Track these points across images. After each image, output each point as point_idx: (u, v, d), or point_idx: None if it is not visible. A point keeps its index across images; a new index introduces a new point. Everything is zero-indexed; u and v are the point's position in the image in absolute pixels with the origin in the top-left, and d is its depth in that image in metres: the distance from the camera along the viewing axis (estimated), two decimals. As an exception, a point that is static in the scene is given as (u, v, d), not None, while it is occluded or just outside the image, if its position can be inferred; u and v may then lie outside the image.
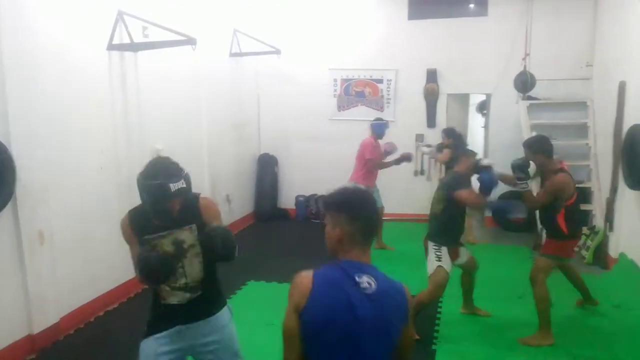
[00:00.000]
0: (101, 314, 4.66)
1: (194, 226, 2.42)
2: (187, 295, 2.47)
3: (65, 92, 4.25)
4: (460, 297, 4.61)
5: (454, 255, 4.14)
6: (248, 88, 7.91)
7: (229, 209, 7.16)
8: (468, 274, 4.46)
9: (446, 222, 4.10)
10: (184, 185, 2.34)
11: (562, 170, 4.00)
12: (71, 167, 4.34)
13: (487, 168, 4.12)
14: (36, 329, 3.95)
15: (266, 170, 8.06)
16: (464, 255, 4.27)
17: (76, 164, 4.40)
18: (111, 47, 4.79)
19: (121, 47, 4.89)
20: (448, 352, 3.94)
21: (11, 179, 3.63)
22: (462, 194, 3.93)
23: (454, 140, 6.23)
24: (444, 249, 4.08)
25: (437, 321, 4.47)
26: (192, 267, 2.47)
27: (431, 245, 4.12)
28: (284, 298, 4.94)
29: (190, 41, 4.92)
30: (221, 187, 6.93)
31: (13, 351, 3.78)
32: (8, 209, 3.69)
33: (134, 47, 4.99)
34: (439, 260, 4.06)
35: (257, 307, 4.77)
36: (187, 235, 2.42)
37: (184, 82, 6.05)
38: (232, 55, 7.27)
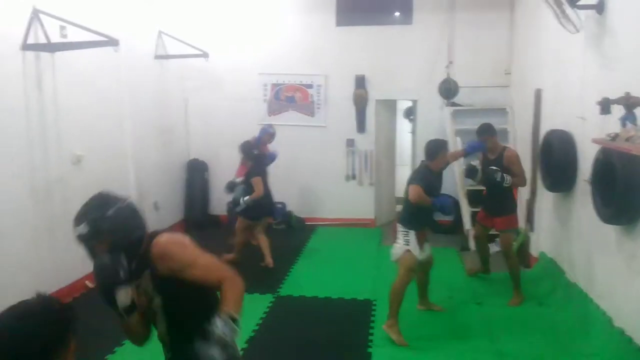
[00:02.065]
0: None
1: (147, 273, 2.02)
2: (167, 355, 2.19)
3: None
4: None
5: (421, 239, 4.33)
6: (175, 92, 7.67)
7: (157, 216, 6.89)
8: (423, 271, 4.60)
9: (414, 208, 4.23)
10: (85, 231, 1.91)
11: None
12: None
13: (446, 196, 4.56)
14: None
15: (196, 176, 7.83)
16: (427, 250, 4.45)
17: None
18: (26, 47, 4.50)
19: (37, 47, 4.61)
20: (384, 355, 3.97)
21: None
22: (410, 189, 4.19)
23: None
24: (412, 233, 4.23)
25: (371, 324, 4.51)
26: (160, 323, 2.11)
27: (400, 229, 4.29)
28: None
29: (112, 42, 4.72)
30: (148, 194, 6.67)
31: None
32: None
33: (50, 47, 4.71)
34: (407, 245, 4.22)
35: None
36: (147, 284, 2.04)
37: (106, 85, 5.76)
38: (157, 57, 7.03)
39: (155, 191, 6.91)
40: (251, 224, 6.01)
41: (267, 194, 6.01)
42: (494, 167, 4.84)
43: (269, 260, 5.91)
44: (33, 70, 4.65)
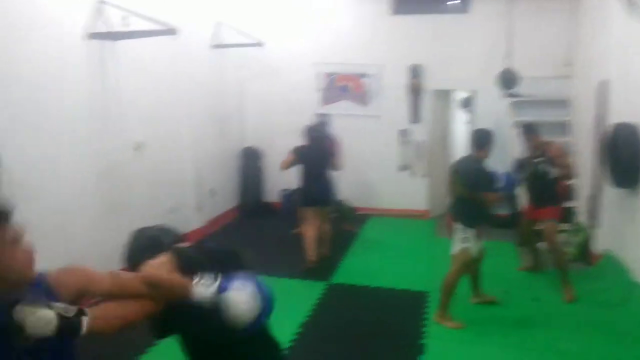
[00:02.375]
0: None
1: None
2: None
3: (42, 81, 4.12)
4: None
5: (479, 234, 4.31)
6: (230, 81, 7.79)
7: (213, 202, 7.06)
8: (475, 264, 4.56)
9: (470, 204, 4.24)
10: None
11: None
12: (48, 158, 4.20)
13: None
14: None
15: (250, 164, 7.96)
16: (480, 244, 4.40)
17: (53, 155, 4.27)
18: (90, 35, 4.67)
19: (100, 36, 4.76)
20: (438, 348, 3.93)
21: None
22: (488, 196, 4.26)
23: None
24: (471, 231, 4.21)
25: (425, 316, 4.47)
26: None
27: (458, 227, 4.26)
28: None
29: (170, 31, 4.82)
30: (205, 181, 6.83)
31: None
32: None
33: (113, 36, 4.87)
34: (466, 242, 4.23)
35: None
36: None
37: (165, 73, 5.91)
38: (214, 46, 7.15)
39: (212, 178, 7.07)
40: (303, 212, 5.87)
41: (310, 182, 5.76)
42: (539, 159, 4.93)
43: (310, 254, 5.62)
44: (97, 59, 4.81)
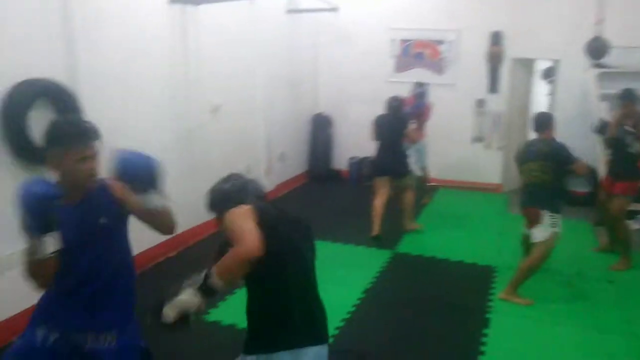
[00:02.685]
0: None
1: None
2: None
3: (129, 44, 4.32)
4: (516, 269, 4.49)
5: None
6: (305, 46, 7.80)
7: (282, 167, 7.21)
8: None
9: (557, 190, 4.16)
10: (207, 201, 2.16)
11: None
12: (133, 119, 4.43)
13: None
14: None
15: (320, 131, 8.01)
16: None
17: (135, 118, 4.48)
18: (173, 0, 4.80)
19: (182, 1, 4.89)
20: (504, 323, 3.88)
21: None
22: (579, 164, 4.11)
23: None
24: (558, 216, 4.10)
25: (491, 290, 4.40)
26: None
27: (547, 214, 4.06)
28: (337, 257, 5.03)
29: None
30: (276, 145, 6.96)
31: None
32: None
33: (194, 0, 4.98)
34: (555, 227, 4.08)
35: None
36: None
37: (241, 38, 6.01)
38: (289, 11, 7.15)
39: (283, 142, 7.19)
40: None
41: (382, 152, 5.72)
42: (628, 129, 4.72)
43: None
44: (179, 23, 4.96)
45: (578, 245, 5.32)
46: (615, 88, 6.42)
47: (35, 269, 1.82)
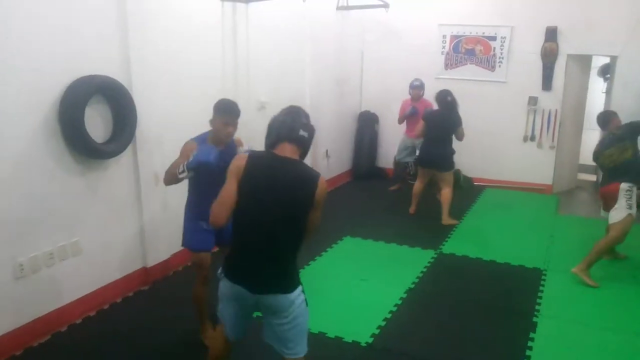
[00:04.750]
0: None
1: None
2: None
3: (179, 42, 4.41)
4: (565, 272, 4.51)
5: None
6: (353, 43, 7.79)
7: (327, 164, 7.23)
8: None
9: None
10: (306, 135, 2.46)
11: None
12: (183, 114, 4.53)
13: None
14: (150, 263, 4.28)
15: (366, 128, 7.98)
16: None
17: (187, 112, 4.57)
18: (225, -3, 4.89)
19: (234, -2, 4.97)
20: (550, 327, 3.76)
21: (133, 123, 3.88)
22: None
23: None
24: (637, 193, 4.37)
25: (539, 294, 4.27)
26: None
27: (623, 191, 4.33)
28: (379, 255, 5.03)
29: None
30: (321, 143, 6.99)
31: (130, 281, 4.16)
32: (129, 150, 3.97)
33: (246, -3, 5.06)
34: (630, 208, 4.31)
35: (352, 262, 4.84)
36: None
37: (291, 35, 6.06)
38: (339, 8, 7.15)
39: (328, 139, 7.20)
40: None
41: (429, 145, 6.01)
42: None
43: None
44: (230, 20, 5.04)
45: None
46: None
47: (171, 180, 3.07)
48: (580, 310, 4.00)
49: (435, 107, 6.07)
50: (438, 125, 5.85)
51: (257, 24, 5.39)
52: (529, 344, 3.53)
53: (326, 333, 3.52)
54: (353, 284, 4.38)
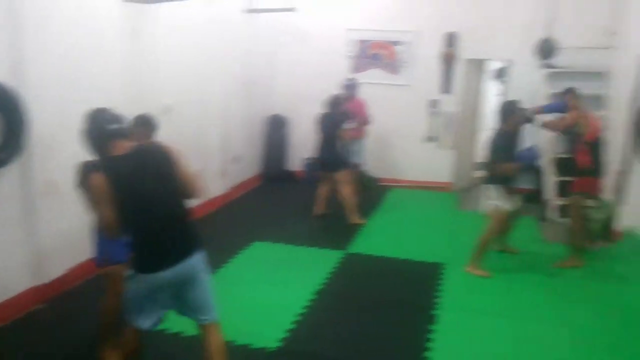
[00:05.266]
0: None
1: None
2: None
3: (78, 46, 4.19)
4: (463, 265, 4.84)
5: (509, 193, 4.73)
6: (264, 46, 7.77)
7: (236, 168, 7.17)
8: (511, 219, 4.98)
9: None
10: None
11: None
12: (79, 118, 4.31)
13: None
14: (46, 279, 4.03)
15: (275, 132, 8.00)
16: (516, 202, 4.86)
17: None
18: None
19: (137, -1, 4.80)
20: (450, 319, 3.97)
21: (23, 129, 3.64)
22: (505, 167, 4.56)
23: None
24: (500, 189, 4.66)
25: (439, 287, 4.50)
26: None
27: (489, 187, 4.75)
28: (289, 258, 5.07)
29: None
30: (230, 146, 6.91)
31: (22, 300, 3.87)
32: (21, 158, 3.72)
33: (150, -1, 4.90)
34: (499, 200, 4.67)
35: (261, 267, 4.84)
36: None
37: (197, 38, 5.93)
38: (248, 11, 7.12)
39: (237, 144, 7.13)
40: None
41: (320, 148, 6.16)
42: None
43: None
44: (132, 22, 4.82)
45: (524, 239, 5.49)
46: (562, 87, 6.66)
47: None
48: (476, 300, 4.27)
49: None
50: (324, 126, 6.07)
51: (162, 26, 5.22)
52: (430, 336, 3.71)
53: (235, 341, 3.49)
54: (262, 289, 4.39)
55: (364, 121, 6.79)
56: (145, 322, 2.67)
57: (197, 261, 2.65)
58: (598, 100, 6.60)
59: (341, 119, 6.03)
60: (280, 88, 8.13)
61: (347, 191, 6.06)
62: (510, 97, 7.29)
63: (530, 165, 4.71)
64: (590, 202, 4.85)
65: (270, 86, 8.15)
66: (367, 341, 3.68)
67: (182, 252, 2.59)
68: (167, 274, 2.54)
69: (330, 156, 6.05)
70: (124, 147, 2.55)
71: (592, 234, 5.25)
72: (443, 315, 4.01)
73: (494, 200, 4.67)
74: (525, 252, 5.27)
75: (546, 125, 5.24)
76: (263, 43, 7.76)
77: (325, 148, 6.05)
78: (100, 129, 2.57)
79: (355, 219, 6.06)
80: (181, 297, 2.67)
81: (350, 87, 6.83)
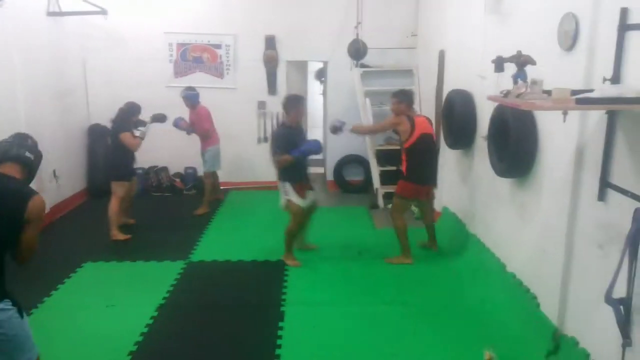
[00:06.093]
0: None
1: None
2: None
3: None
4: (303, 259, 5.07)
5: (302, 190, 4.97)
6: (72, 52, 7.14)
7: (57, 186, 6.49)
8: (307, 215, 5.18)
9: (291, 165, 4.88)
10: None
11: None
12: None
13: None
14: None
15: (98, 142, 7.39)
16: (310, 197, 5.07)
17: None
18: None
19: None
20: (296, 313, 4.06)
21: None
22: (282, 159, 4.82)
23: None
24: (288, 185, 4.90)
25: (284, 283, 4.59)
26: None
27: (279, 184, 5.01)
28: (126, 276, 4.76)
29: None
30: (46, 163, 6.15)
31: None
32: None
33: None
34: (287, 195, 4.93)
35: (96, 289, 4.46)
36: None
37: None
38: (50, 14, 6.47)
39: (55, 159, 6.41)
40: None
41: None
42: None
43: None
44: None
45: (357, 227, 5.87)
46: (375, 85, 7.28)
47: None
48: (319, 292, 4.44)
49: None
50: (110, 136, 6.00)
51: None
52: (279, 332, 3.76)
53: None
54: (99, 313, 4.05)
55: (204, 132, 6.62)
56: None
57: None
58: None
59: (120, 128, 5.70)
60: (99, 96, 7.49)
61: (113, 204, 5.69)
62: (331, 96, 7.80)
63: (305, 158, 4.96)
64: (413, 204, 5.40)
65: (86, 94, 7.52)
66: (218, 347, 3.61)
67: None
68: None
69: (109, 164, 6.00)
70: (7, 169, 2.44)
71: (415, 216, 5.82)
72: (290, 311, 4.09)
73: (287, 196, 4.92)
74: (360, 240, 5.61)
75: (356, 130, 5.60)
76: (73, 49, 7.14)
77: (106, 158, 6.00)
78: (7, 144, 2.49)
79: (115, 234, 5.65)
80: None
81: (190, 97, 6.58)
